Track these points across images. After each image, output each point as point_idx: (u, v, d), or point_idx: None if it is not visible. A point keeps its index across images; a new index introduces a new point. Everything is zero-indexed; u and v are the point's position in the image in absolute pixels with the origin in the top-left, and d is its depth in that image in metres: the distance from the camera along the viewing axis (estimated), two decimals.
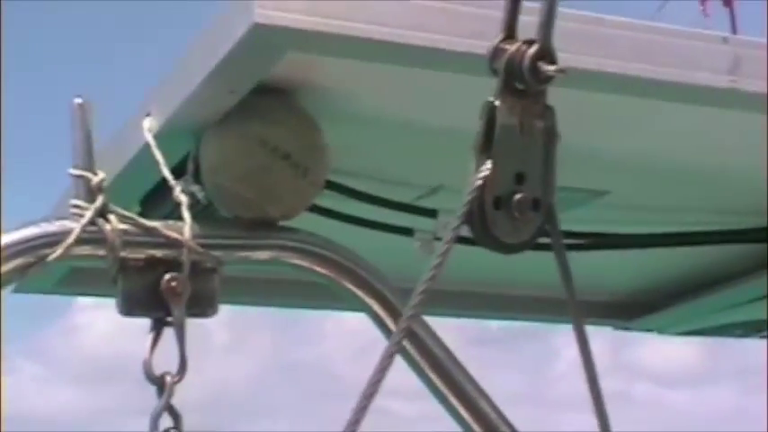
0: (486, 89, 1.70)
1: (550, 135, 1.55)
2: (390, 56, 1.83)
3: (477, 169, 1.52)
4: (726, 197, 2.51)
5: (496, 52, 1.52)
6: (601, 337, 3.27)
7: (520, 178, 1.55)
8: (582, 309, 1.65)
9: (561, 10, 1.82)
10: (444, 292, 2.79)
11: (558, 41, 1.67)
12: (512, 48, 1.51)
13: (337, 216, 2.35)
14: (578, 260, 2.72)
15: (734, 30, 2.07)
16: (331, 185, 2.20)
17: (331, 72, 1.93)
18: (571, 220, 2.49)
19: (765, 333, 3.10)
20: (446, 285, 2.63)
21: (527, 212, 1.54)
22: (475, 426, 2.09)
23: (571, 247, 2.53)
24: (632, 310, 3.07)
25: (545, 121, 1.54)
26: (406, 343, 2.02)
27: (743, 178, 2.41)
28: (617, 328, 3.11)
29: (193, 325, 2.00)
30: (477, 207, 1.51)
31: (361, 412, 1.51)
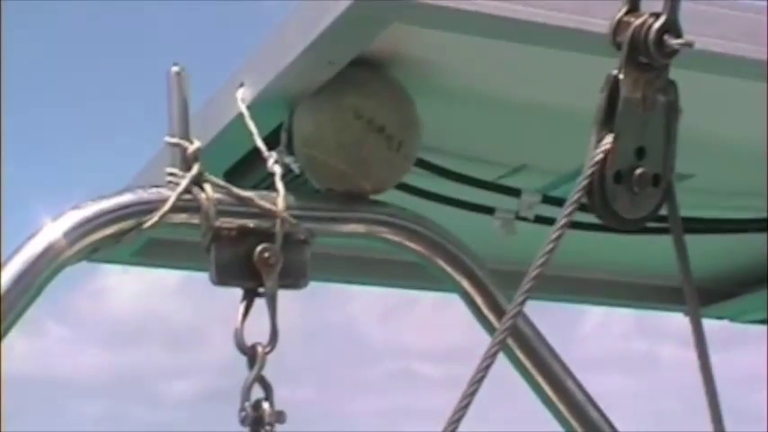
0: (583, 68, 1.69)
1: (672, 110, 1.53)
2: (491, 30, 1.82)
3: (598, 143, 1.50)
4: None
5: (620, 25, 1.50)
6: None
7: (641, 153, 1.53)
8: (692, 293, 1.61)
9: None
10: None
11: None
12: (637, 21, 1.49)
13: (419, 193, 2.34)
14: (655, 244, 2.72)
15: None
16: (419, 162, 2.19)
17: (426, 45, 1.92)
18: None
19: None
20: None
21: (647, 188, 1.52)
22: (575, 424, 2.07)
23: (652, 231, 2.52)
24: (706, 296, 3.04)
25: (667, 96, 1.52)
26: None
27: None
28: (688, 314, 3.07)
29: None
30: (597, 181, 1.49)
31: (463, 410, 1.50)
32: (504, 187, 2.40)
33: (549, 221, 2.07)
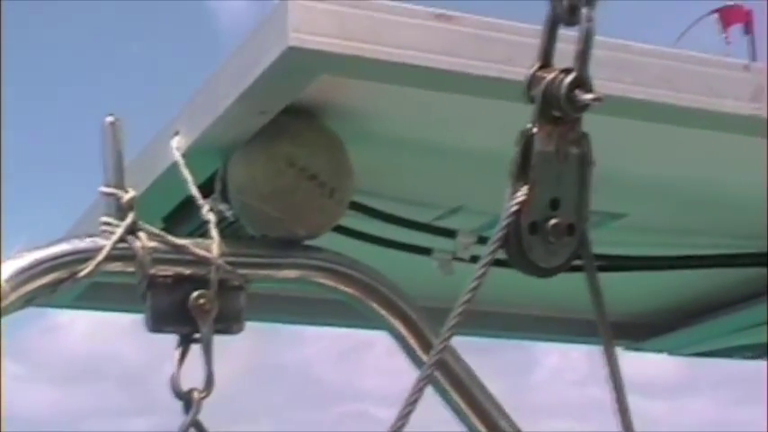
0: (510, 114, 1.73)
1: (585, 161, 1.57)
2: (419, 80, 1.86)
3: (513, 194, 1.54)
4: (740, 221, 2.54)
5: (534, 80, 1.55)
6: (582, 346, 3.26)
7: (555, 203, 1.58)
8: (608, 330, 1.66)
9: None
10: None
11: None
12: (549, 76, 1.54)
13: (358, 236, 2.38)
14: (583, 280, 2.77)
15: (754, 57, 2.12)
16: (355, 206, 2.23)
17: (358, 94, 1.96)
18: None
19: None
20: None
21: (562, 237, 1.57)
22: None
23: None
24: (643, 330, 3.09)
25: (580, 148, 1.57)
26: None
27: (759, 203, 2.44)
28: (628, 348, 3.13)
29: None
30: (513, 231, 1.54)
31: None
32: (440, 229, 2.44)
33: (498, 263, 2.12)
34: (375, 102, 2.00)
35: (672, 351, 3.13)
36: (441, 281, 2.50)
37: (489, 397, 2.15)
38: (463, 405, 2.13)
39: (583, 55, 1.53)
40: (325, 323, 2.87)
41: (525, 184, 1.55)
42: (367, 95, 1.96)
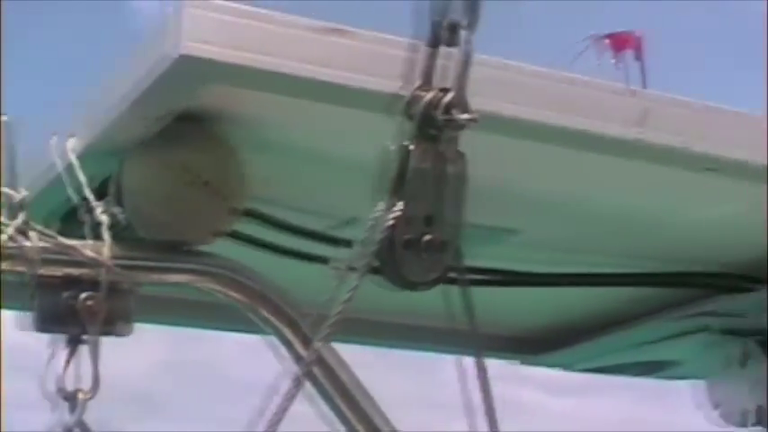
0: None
1: (460, 180, 1.61)
2: (310, 92, 1.89)
3: (388, 210, 1.58)
4: (630, 241, 2.60)
5: (413, 99, 1.59)
6: None
7: (429, 220, 1.61)
8: (483, 343, 1.71)
9: (483, 57, 1.91)
10: (359, 321, 2.86)
11: (476, 87, 1.75)
12: (427, 95, 1.58)
13: (256, 243, 2.40)
14: (489, 295, 2.82)
15: (644, 83, 2.18)
16: (251, 213, 2.25)
17: (254, 103, 1.99)
18: (483, 256, 2.57)
19: (661, 373, 3.19)
20: (359, 314, 2.70)
21: (435, 253, 1.60)
22: None
23: (482, 283, 2.62)
24: (539, 345, 3.14)
25: (456, 167, 1.61)
26: (315, 370, 2.09)
27: (647, 224, 2.50)
28: (524, 362, 3.18)
29: None
30: (387, 247, 1.57)
31: None
32: (335, 239, 2.47)
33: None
34: (271, 112, 2.03)
35: (566, 366, 3.18)
36: (337, 290, 2.52)
37: (371, 402, 2.18)
38: (345, 409, 2.16)
39: (461, 76, 1.57)
40: (217, 327, 2.89)
41: (400, 200, 1.59)
42: (263, 105, 1.99)
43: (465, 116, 1.56)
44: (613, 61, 2.16)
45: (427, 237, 1.61)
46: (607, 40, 2.24)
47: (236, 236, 2.28)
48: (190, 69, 1.82)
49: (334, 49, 1.87)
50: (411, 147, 1.59)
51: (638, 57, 2.20)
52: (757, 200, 2.36)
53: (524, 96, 1.98)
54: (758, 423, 2.79)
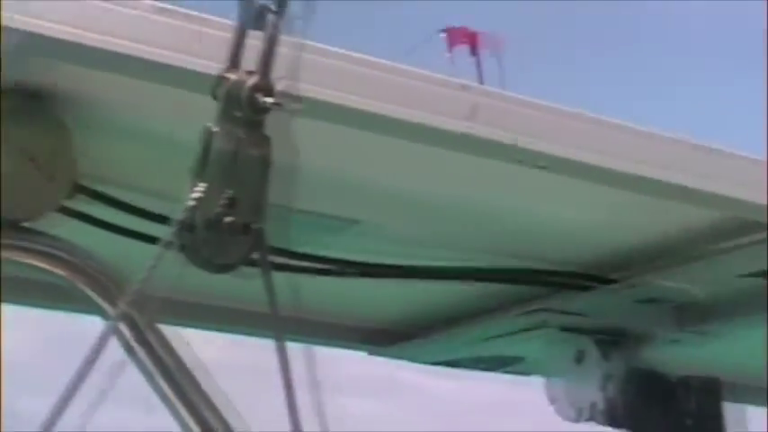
0: None
1: (264, 164, 1.61)
2: (135, 71, 1.87)
3: (192, 191, 1.58)
4: (472, 236, 2.62)
5: (220, 80, 1.58)
6: None
7: (232, 202, 1.61)
8: (286, 326, 1.71)
9: (315, 44, 1.91)
10: (199, 306, 2.86)
11: (304, 73, 1.76)
12: (233, 77, 1.57)
13: (91, 221, 2.38)
14: (336, 286, 2.83)
15: (480, 78, 2.21)
16: (85, 192, 2.23)
17: (83, 81, 1.97)
18: (326, 245, 2.58)
19: (508, 369, 3.23)
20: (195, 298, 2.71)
21: (237, 236, 1.60)
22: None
23: (324, 272, 2.63)
24: (388, 337, 3.16)
25: (260, 150, 1.61)
26: (139, 350, 2.08)
27: (487, 219, 2.52)
28: (372, 353, 3.20)
29: None
30: (188, 228, 1.57)
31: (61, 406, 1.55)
32: (167, 218, 2.45)
33: None
34: (102, 90, 2.01)
35: (413, 359, 3.20)
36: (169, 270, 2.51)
37: (198, 388, 2.18)
38: (170, 394, 2.15)
39: (266, 60, 1.57)
40: (47, 306, 2.85)
41: (203, 181, 1.58)
42: (93, 83, 1.97)
43: (270, 100, 1.56)
44: (449, 55, 2.18)
45: (229, 219, 1.61)
46: (443, 35, 2.25)
47: (72, 214, 2.26)
48: (12, 42, 1.80)
49: (159, 28, 1.86)
50: (215, 129, 1.59)
51: (474, 52, 2.21)
52: (595, 199, 2.40)
53: (355, 86, 1.99)
54: (591, 419, 2.84)
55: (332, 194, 2.40)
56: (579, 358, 2.86)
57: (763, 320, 2.82)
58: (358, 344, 3.16)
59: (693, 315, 2.88)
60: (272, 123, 1.72)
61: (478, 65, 2.23)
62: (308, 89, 1.85)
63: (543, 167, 2.15)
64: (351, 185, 2.38)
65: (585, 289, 2.74)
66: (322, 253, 2.60)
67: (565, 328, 2.87)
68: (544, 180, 2.25)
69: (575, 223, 2.55)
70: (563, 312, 2.80)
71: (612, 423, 2.84)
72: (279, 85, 1.60)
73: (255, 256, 1.67)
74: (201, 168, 1.59)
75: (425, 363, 3.21)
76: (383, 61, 2.08)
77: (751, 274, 2.62)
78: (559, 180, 2.24)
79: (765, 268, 2.61)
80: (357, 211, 2.49)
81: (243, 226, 1.62)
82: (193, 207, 1.58)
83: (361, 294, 2.98)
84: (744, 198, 2.33)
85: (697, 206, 2.36)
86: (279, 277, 2.55)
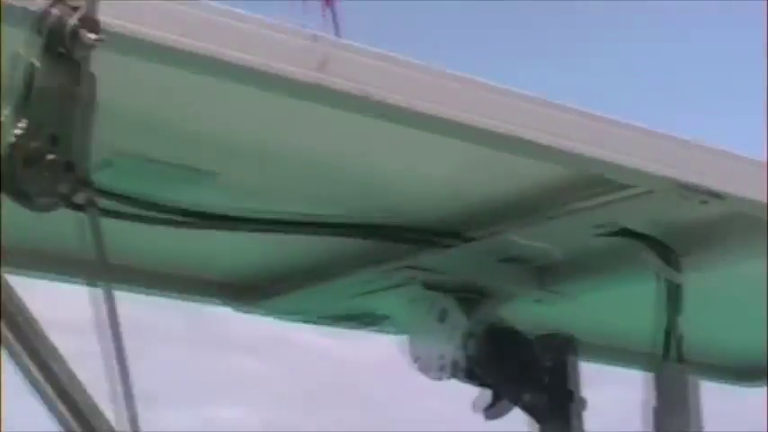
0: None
1: (89, 102, 1.59)
2: None
3: (12, 126, 1.55)
4: (334, 191, 2.62)
5: (44, 14, 1.56)
6: None
7: (54, 140, 1.59)
8: (113, 274, 1.69)
9: None
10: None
11: (135, 14, 1.73)
12: (57, 12, 1.55)
13: None
14: (196, 239, 2.81)
15: (337, 30, 2.20)
16: None
17: None
18: (183, 197, 2.56)
19: (375, 327, 3.24)
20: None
21: (58, 174, 1.58)
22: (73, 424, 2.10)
23: (181, 224, 2.61)
24: (254, 293, 3.14)
25: (85, 88, 1.59)
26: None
27: (349, 174, 2.52)
28: (238, 310, 3.18)
29: None
30: (7, 164, 1.55)
31: None
32: None
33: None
34: None
35: (280, 315, 3.19)
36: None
37: (67, 370, 2.13)
38: (21, 353, 2.11)
39: None
40: None
41: (24, 117, 1.56)
42: None
43: (93, 36, 1.54)
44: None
45: (51, 156, 1.59)
46: None
47: None
48: None
49: None
50: (37, 64, 1.57)
51: (328, 4, 2.21)
52: (451, 155, 2.41)
53: (196, 30, 1.96)
54: (453, 377, 2.86)
55: (187, 145, 2.38)
56: (442, 316, 2.87)
57: (619, 280, 2.87)
58: (223, 299, 3.15)
59: (554, 275, 2.91)
60: (108, 65, 1.69)
61: (334, 16, 2.23)
62: (146, 32, 1.83)
63: (395, 121, 2.15)
64: (206, 136, 2.36)
65: (446, 246, 2.75)
66: (180, 205, 2.58)
67: (428, 286, 2.88)
68: (400, 134, 2.26)
69: (433, 179, 2.56)
70: (425, 270, 2.81)
71: (472, 380, 2.86)
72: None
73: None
74: (23, 104, 1.56)
75: (291, 320, 3.20)
76: (236, 10, 2.06)
77: (606, 233, 2.66)
78: (415, 134, 2.25)
79: (620, 227, 2.66)
80: (214, 162, 2.48)
81: (65, 164, 1.60)
82: (12, 144, 1.55)
83: (224, 249, 2.97)
84: (598, 156, 2.36)
85: (552, 163, 2.38)
86: (134, 228, 2.55)
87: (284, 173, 2.56)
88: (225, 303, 3.17)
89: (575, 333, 2.91)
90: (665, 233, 2.75)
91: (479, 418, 2.91)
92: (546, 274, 2.91)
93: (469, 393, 2.92)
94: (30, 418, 2.22)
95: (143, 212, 2.50)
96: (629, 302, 3.08)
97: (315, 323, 3.25)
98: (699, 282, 2.83)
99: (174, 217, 2.56)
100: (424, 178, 2.54)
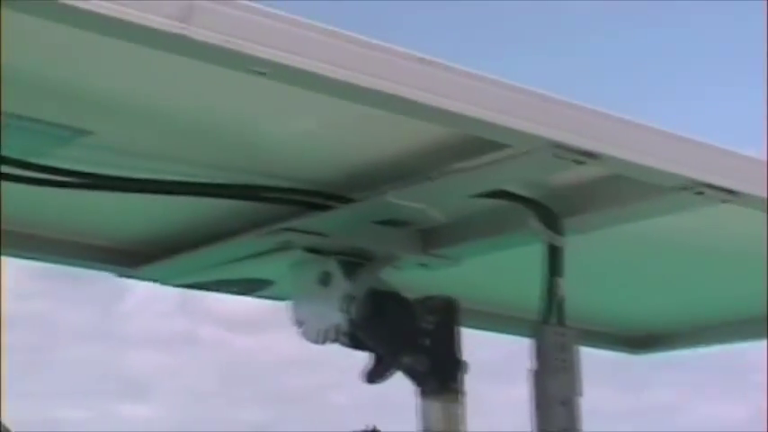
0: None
1: None
2: None
3: None
4: (210, 150, 2.58)
5: None
6: None
7: None
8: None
9: None
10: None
11: None
12: None
13: None
14: (73, 203, 2.75)
15: None
16: None
17: None
18: (59, 157, 2.51)
19: (259, 293, 3.21)
20: None
21: None
22: None
23: (59, 185, 2.55)
24: (136, 258, 3.10)
25: None
26: None
27: (222, 132, 2.48)
28: (122, 275, 3.13)
29: None
30: None
31: None
32: None
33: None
34: None
35: (164, 281, 3.14)
36: None
37: None
38: None
39: None
40: None
41: None
42: None
43: None
44: None
45: None
46: None
47: None
48: None
49: None
50: None
51: None
52: (328, 113, 2.37)
53: None
54: (335, 341, 2.83)
55: (60, 102, 2.33)
56: (324, 280, 2.85)
57: (504, 243, 2.86)
58: (107, 265, 3.10)
59: (437, 238, 2.90)
60: None
61: None
62: None
63: (262, 74, 2.10)
64: (80, 94, 2.31)
65: (327, 209, 2.72)
66: (54, 164, 2.52)
67: (310, 249, 2.85)
68: (277, 94, 2.22)
69: (313, 140, 2.53)
70: (306, 232, 2.78)
71: (354, 344, 2.84)
72: None
73: None
74: None
75: (175, 285, 3.15)
76: None
77: (486, 195, 2.64)
78: (293, 93, 2.21)
79: (500, 189, 2.65)
80: (88, 121, 2.42)
81: None
82: None
83: (105, 213, 2.92)
84: (478, 116, 2.33)
85: (428, 122, 2.36)
86: (12, 190, 2.48)
87: (161, 133, 2.51)
88: (106, 269, 3.12)
89: (462, 300, 2.89)
90: (547, 196, 2.75)
91: (384, 413, 2.89)
92: (430, 237, 2.90)
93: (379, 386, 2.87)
94: None
95: (18, 173, 2.45)
96: (515, 267, 3.08)
97: (198, 288, 3.21)
98: (583, 246, 2.83)
99: (49, 176, 2.51)
100: (305, 139, 2.50)
